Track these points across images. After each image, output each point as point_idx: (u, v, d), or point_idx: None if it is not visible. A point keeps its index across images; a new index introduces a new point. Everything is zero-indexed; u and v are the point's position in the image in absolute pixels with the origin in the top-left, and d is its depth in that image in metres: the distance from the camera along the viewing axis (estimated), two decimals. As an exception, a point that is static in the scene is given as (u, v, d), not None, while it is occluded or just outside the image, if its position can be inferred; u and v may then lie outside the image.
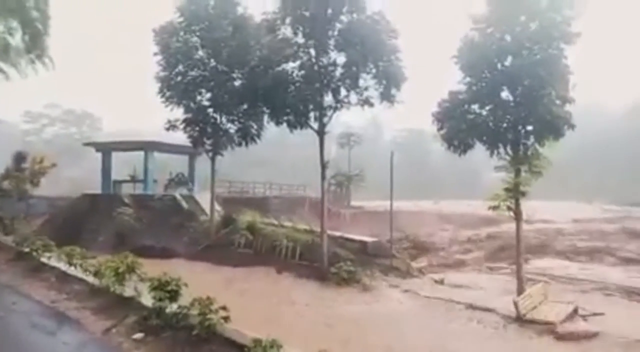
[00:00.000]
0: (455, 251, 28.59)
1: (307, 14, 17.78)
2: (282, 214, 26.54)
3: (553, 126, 14.12)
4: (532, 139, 14.77)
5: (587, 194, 56.84)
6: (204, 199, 26.45)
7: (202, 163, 28.76)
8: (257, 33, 20.18)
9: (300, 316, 13.70)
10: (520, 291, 14.55)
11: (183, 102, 22.22)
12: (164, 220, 24.94)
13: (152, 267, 10.70)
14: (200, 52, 22.19)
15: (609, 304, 15.93)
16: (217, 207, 25.16)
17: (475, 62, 14.90)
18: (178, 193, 28.88)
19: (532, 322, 12.56)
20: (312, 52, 18.35)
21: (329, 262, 18.10)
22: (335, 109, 19.03)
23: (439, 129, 15.90)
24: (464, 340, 11.72)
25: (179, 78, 22.01)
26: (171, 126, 22.89)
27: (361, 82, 18.48)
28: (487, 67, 14.84)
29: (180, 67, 21.98)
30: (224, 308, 7.96)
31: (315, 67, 18.34)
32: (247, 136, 22.81)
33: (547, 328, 12.09)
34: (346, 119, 47.71)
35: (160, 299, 8.83)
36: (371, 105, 18.96)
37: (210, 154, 23.49)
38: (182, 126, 22.68)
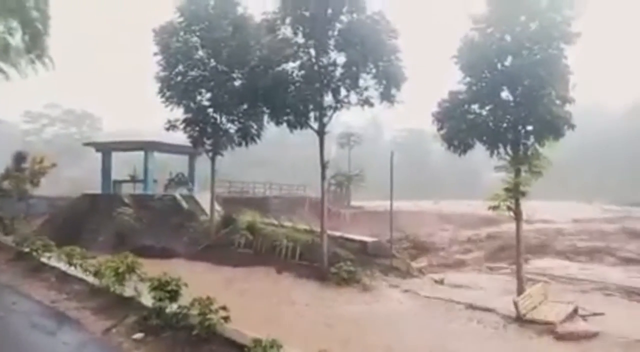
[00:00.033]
0: (455, 251, 28.59)
1: (307, 14, 17.78)
2: (282, 214, 26.55)
3: (553, 126, 14.12)
4: (532, 139, 14.77)
5: (587, 194, 56.85)
6: (204, 199, 26.45)
7: (202, 163, 28.76)
8: (257, 33, 20.18)
9: (300, 316, 13.71)
10: (520, 291, 14.55)
11: (183, 102, 22.22)
12: (164, 220, 24.94)
13: (152, 267, 10.70)
14: (200, 52, 22.19)
15: (609, 304, 15.93)
16: (217, 207, 25.16)
17: (475, 62, 14.90)
18: (178, 193, 28.89)
19: (532, 322, 12.55)
20: (312, 52, 18.35)
21: (329, 262, 18.10)
22: (335, 109, 19.03)
23: (439, 129, 15.90)
24: (464, 340, 11.72)
25: (179, 78, 22.01)
26: (171, 126, 22.89)
27: (361, 82, 18.48)
28: (487, 67, 14.85)
29: (180, 67, 21.98)
30: (224, 308, 7.96)
31: (315, 67, 18.34)
32: (247, 136, 22.81)
33: (547, 328, 12.08)
34: (346, 119, 47.80)
35: (160, 299, 8.82)
36: (371, 105, 18.96)
37: (210, 154, 23.49)
38: (182, 126, 22.68)
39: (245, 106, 21.89)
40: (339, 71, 18.37)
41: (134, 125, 72.48)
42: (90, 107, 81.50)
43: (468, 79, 15.28)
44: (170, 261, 20.03)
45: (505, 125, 14.88)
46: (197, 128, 22.66)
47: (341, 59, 18.29)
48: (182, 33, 21.92)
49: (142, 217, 25.07)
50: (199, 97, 22.52)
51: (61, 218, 27.08)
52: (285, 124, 19.65)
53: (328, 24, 17.90)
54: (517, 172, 14.82)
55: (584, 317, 13.63)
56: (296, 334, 10.80)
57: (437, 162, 76.38)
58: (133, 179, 31.88)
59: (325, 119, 19.11)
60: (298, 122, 19.29)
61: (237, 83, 22.04)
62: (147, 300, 9.34)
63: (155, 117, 32.33)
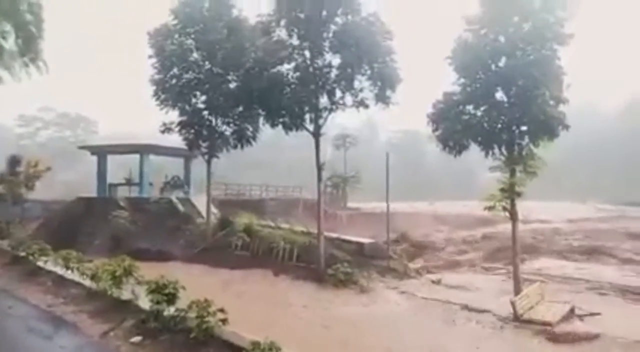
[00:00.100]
0: (452, 251, 28.56)
1: (301, 16, 17.83)
2: (278, 216, 26.56)
3: (547, 126, 14.21)
4: (526, 139, 14.87)
5: (581, 193, 57.16)
6: (200, 201, 26.40)
7: (198, 166, 28.74)
8: (252, 35, 20.23)
9: (298, 318, 13.71)
10: (517, 291, 14.60)
11: (178, 104, 22.19)
12: (160, 223, 24.85)
13: (149, 270, 10.69)
14: (195, 55, 22.19)
15: (604, 304, 15.99)
16: (214, 209, 25.12)
17: (469, 63, 14.99)
18: (174, 196, 28.81)
19: (530, 322, 12.62)
20: (307, 54, 18.40)
21: (326, 263, 18.12)
22: (331, 110, 19.10)
23: (434, 130, 15.97)
24: (462, 341, 11.77)
25: (174, 81, 22.00)
26: (166, 129, 22.86)
27: (356, 84, 18.56)
28: (481, 68, 14.94)
29: (175, 70, 21.97)
30: (221, 311, 7.96)
31: (310, 69, 18.38)
32: (242, 138, 22.81)
33: (544, 328, 12.14)
34: (341, 120, 47.40)
35: (157, 302, 8.81)
36: (366, 106, 19.04)
37: (206, 156, 23.46)
38: (177, 129, 22.67)
39: (240, 108, 21.91)
40: (334, 73, 18.44)
41: (129, 128, 71.97)
42: (85, 110, 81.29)
43: (462, 80, 15.38)
44: (167, 264, 19.95)
45: (499, 125, 14.97)
46: (193, 131, 22.65)
47: (336, 60, 18.38)
48: (176, 36, 21.91)
49: (137, 220, 24.99)
50: (194, 100, 22.50)
51: (56, 222, 26.93)
52: (280, 126, 19.70)
53: (323, 26, 17.97)
54: (512, 173, 14.91)
55: (580, 317, 13.70)
56: (294, 336, 10.79)
57: (433, 163, 76.51)
58: (129, 182, 31.73)
59: (321, 121, 19.16)
60: (293, 124, 19.33)
61: (232, 85, 22.03)
62: (145, 303, 9.32)
63: (151, 120, 32.17)
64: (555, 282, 19.53)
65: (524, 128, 14.79)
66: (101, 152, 32.11)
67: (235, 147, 23.20)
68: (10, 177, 28.21)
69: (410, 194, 54.21)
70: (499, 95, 15.02)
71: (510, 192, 14.84)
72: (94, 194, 30.67)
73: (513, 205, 15.05)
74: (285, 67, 18.85)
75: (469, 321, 13.31)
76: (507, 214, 15.18)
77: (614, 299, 17.18)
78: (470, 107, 15.43)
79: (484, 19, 14.77)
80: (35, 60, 18.81)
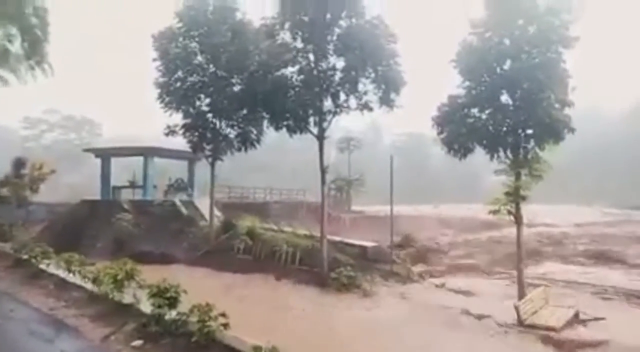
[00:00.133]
0: (456, 255, 28.45)
1: (306, 18, 17.82)
2: (282, 219, 26.49)
3: (553, 130, 14.11)
4: (532, 142, 14.74)
5: (587, 197, 56.98)
6: (203, 204, 26.38)
7: (202, 168, 28.72)
8: (256, 38, 20.21)
9: (301, 322, 13.61)
10: (521, 295, 14.47)
11: (182, 107, 22.21)
12: (164, 226, 24.86)
13: (152, 273, 10.65)
14: (200, 58, 22.21)
15: (608, 308, 15.83)
16: (217, 212, 25.11)
17: (474, 66, 14.90)
18: (177, 199, 28.83)
19: (533, 327, 12.49)
20: (311, 56, 18.37)
21: (329, 267, 18.02)
22: (335, 113, 19.05)
23: (439, 133, 15.88)
24: (465, 345, 11.66)
25: (178, 84, 22.02)
26: (170, 131, 22.90)
27: (360, 87, 18.50)
28: (486, 71, 14.85)
29: (180, 73, 21.99)
30: (223, 315, 7.92)
31: (315, 72, 18.35)
32: (246, 141, 22.79)
33: (548, 333, 12.01)
34: (345, 123, 47.67)
35: (159, 306, 8.78)
36: (370, 109, 18.96)
37: (210, 159, 23.46)
38: (181, 131, 22.69)
39: (244, 111, 21.89)
40: (338, 76, 18.39)
41: (133, 131, 72.31)
42: (90, 112, 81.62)
43: (467, 83, 15.29)
44: (170, 267, 19.93)
45: (505, 129, 14.86)
46: (197, 133, 22.67)
47: (340, 63, 18.32)
48: (181, 39, 21.95)
49: (141, 223, 25.00)
50: (198, 103, 22.52)
51: (60, 224, 27.00)
52: (284, 129, 19.65)
53: (327, 29, 17.94)
54: (518, 176, 14.78)
55: (584, 322, 13.56)
56: (296, 340, 10.70)
57: (437, 166, 76.44)
58: (132, 185, 31.80)
59: (325, 124, 19.11)
60: (297, 127, 19.28)
61: (236, 88, 22.02)
62: (146, 307, 9.29)
63: (155, 123, 32.32)
64: (561, 286, 19.38)
65: (529, 131, 14.67)
66: (105, 155, 32.24)
67: (239, 149, 23.18)
68: (15, 179, 28.32)
69: (415, 197, 54.18)
70: (504, 98, 14.92)
71: (516, 196, 14.71)
72: (98, 197, 30.75)
73: (518, 209, 14.91)
74: (290, 70, 18.83)
75: (472, 325, 13.18)
76: (512, 217, 15.05)
77: (619, 303, 17.02)
78: (475, 110, 15.34)
79: (488, 22, 14.69)
80: (40, 63, 18.96)
